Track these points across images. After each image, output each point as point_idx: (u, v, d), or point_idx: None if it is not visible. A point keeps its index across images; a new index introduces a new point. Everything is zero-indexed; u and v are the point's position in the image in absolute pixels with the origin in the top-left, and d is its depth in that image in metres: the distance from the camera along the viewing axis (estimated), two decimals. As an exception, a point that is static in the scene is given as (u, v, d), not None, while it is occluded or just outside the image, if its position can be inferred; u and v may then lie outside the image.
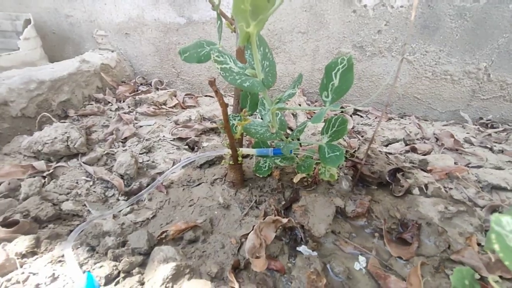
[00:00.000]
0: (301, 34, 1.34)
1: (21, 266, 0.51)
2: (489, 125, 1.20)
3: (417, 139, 1.08)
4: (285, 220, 0.62)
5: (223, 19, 0.66)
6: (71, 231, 0.62)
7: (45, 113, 0.96)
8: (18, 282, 0.48)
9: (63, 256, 0.54)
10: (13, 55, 1.20)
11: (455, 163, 0.92)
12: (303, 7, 1.28)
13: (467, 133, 1.15)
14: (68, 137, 0.85)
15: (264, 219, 0.61)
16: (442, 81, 1.26)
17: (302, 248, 0.61)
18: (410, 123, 1.24)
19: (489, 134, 1.11)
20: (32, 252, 0.55)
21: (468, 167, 0.91)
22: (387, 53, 1.28)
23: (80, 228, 0.58)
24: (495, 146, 1.02)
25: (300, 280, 0.53)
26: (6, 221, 0.60)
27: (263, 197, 0.76)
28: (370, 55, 1.30)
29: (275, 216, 0.62)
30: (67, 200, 0.72)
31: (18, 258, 0.52)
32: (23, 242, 0.55)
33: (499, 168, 0.89)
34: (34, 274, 0.50)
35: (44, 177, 0.78)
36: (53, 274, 0.50)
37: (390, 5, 1.20)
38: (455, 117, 1.30)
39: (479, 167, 0.92)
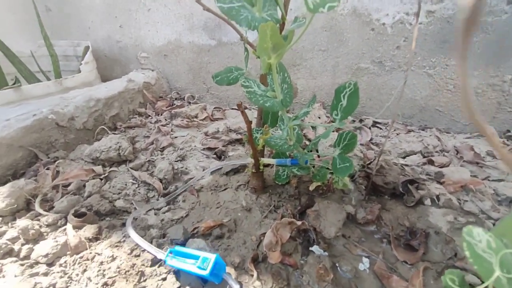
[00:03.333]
0: (321, 52, 1.44)
1: (89, 248, 0.66)
2: (516, 138, 1.17)
3: (436, 152, 1.10)
4: (299, 223, 0.70)
5: (250, 49, 0.79)
6: (123, 223, 0.77)
7: (102, 126, 1.17)
8: (87, 259, 0.63)
9: (118, 242, 0.68)
10: (76, 77, 1.45)
11: (474, 176, 0.93)
12: (324, 27, 1.38)
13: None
14: (120, 146, 1.02)
15: (280, 220, 0.70)
16: (465, 94, 1.26)
17: (314, 248, 0.68)
18: (430, 135, 1.25)
19: (516, 148, 1.08)
20: (96, 238, 0.70)
21: (488, 180, 0.92)
22: (406, 67, 1.31)
23: (131, 218, 0.73)
24: (520, 160, 1.00)
25: (310, 275, 0.61)
26: (76, 213, 0.76)
27: (281, 202, 0.85)
28: (389, 69, 1.35)
29: (290, 218, 0.71)
30: (119, 198, 0.88)
31: (87, 241, 0.67)
32: (89, 230, 0.70)
33: (521, 183, 0.89)
34: (98, 254, 0.64)
35: (101, 179, 0.95)
36: (112, 255, 0.64)
37: (408, 22, 1.25)
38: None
39: (499, 180, 0.91)
